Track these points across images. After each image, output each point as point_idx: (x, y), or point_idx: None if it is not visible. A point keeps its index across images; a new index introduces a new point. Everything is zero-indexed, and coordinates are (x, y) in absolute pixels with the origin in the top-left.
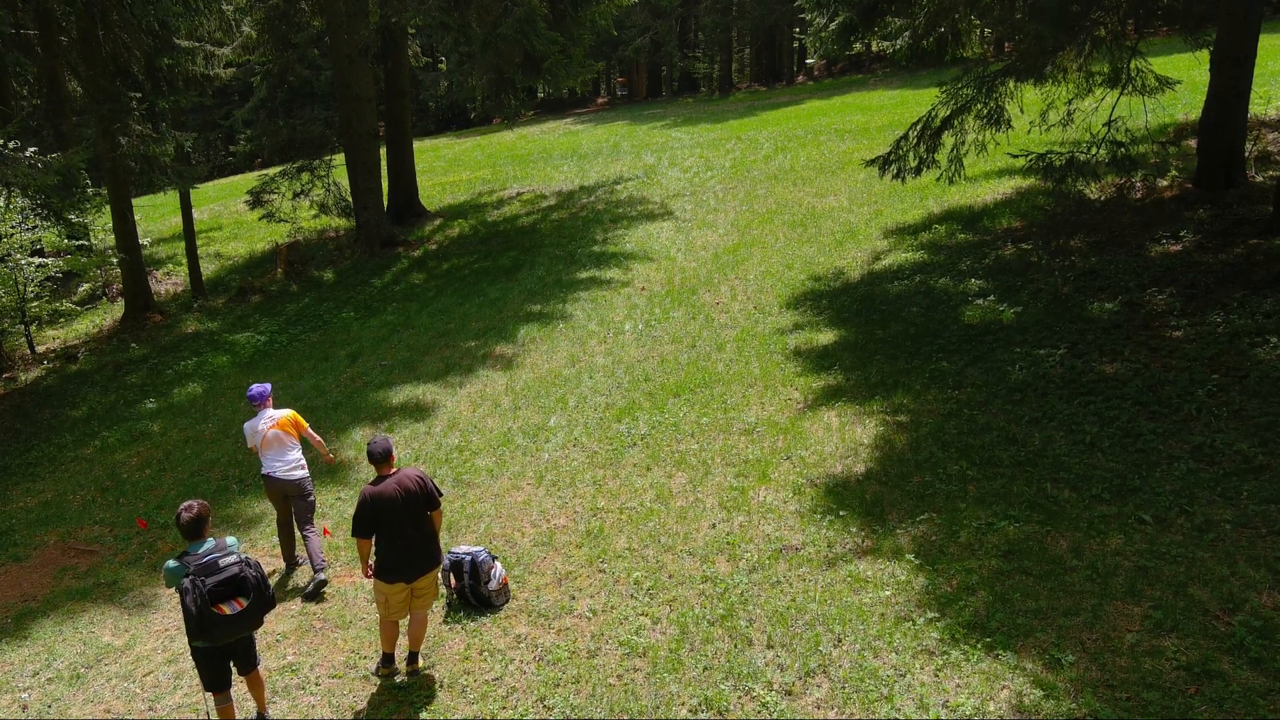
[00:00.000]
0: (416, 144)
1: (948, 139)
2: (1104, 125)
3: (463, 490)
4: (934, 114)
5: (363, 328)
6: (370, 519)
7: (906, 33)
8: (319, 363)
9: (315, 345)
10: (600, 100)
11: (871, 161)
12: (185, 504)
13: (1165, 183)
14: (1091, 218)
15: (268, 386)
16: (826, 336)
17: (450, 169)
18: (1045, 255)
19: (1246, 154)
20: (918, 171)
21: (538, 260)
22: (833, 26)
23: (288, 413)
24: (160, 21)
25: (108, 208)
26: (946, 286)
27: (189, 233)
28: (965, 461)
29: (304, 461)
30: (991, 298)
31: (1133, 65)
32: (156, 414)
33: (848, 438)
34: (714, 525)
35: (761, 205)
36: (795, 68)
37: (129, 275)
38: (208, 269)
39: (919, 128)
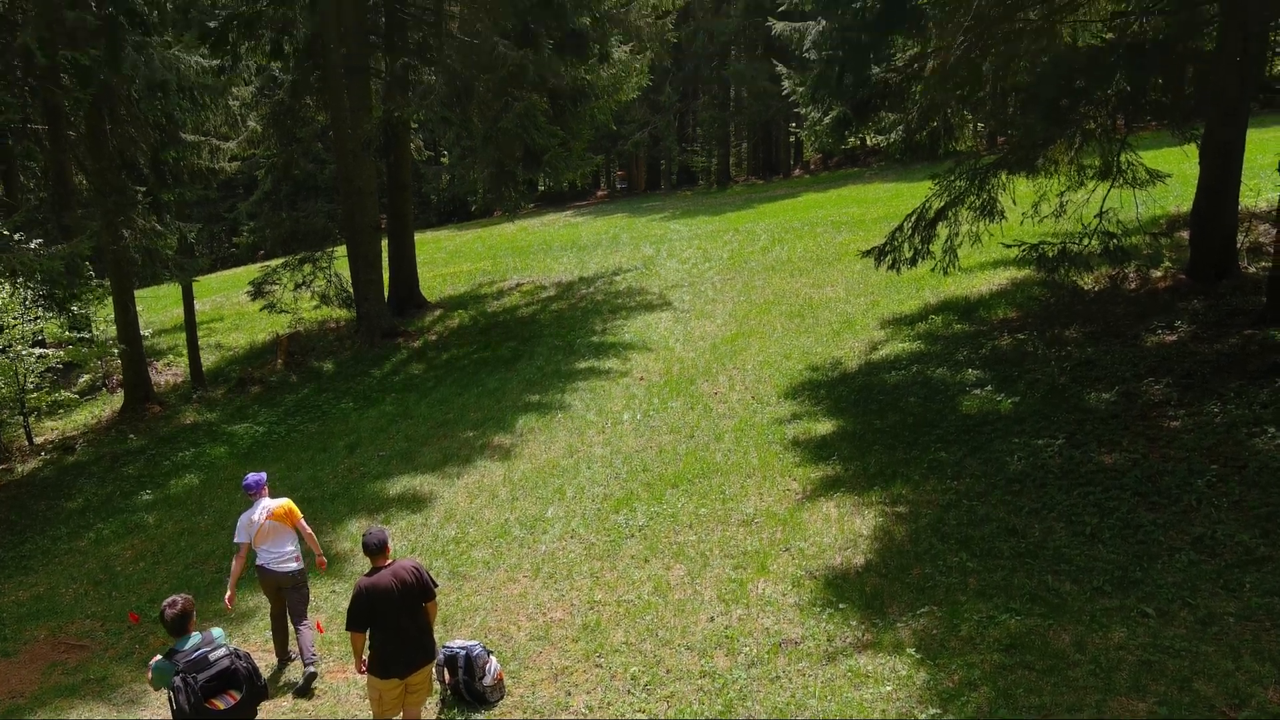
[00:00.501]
0: (418, 236)
1: (942, 230)
2: (1096, 217)
3: (459, 583)
4: (928, 205)
5: (361, 418)
6: (365, 612)
7: (900, 127)
8: (317, 453)
9: (313, 436)
10: (600, 193)
11: (868, 253)
12: (169, 600)
13: (1159, 274)
14: (1086, 308)
15: (264, 475)
16: (825, 426)
17: (451, 260)
18: (1041, 345)
19: (1238, 245)
20: (913, 262)
21: (536, 350)
22: (827, 121)
23: (284, 502)
24: (167, 116)
25: (110, 299)
26: (944, 376)
27: (190, 324)
28: (965, 553)
29: (299, 553)
30: (989, 388)
31: (1123, 158)
32: (152, 505)
33: (847, 529)
34: (712, 618)
35: (759, 296)
36: (792, 161)
37: (129, 366)
38: (208, 359)
39: (914, 219)
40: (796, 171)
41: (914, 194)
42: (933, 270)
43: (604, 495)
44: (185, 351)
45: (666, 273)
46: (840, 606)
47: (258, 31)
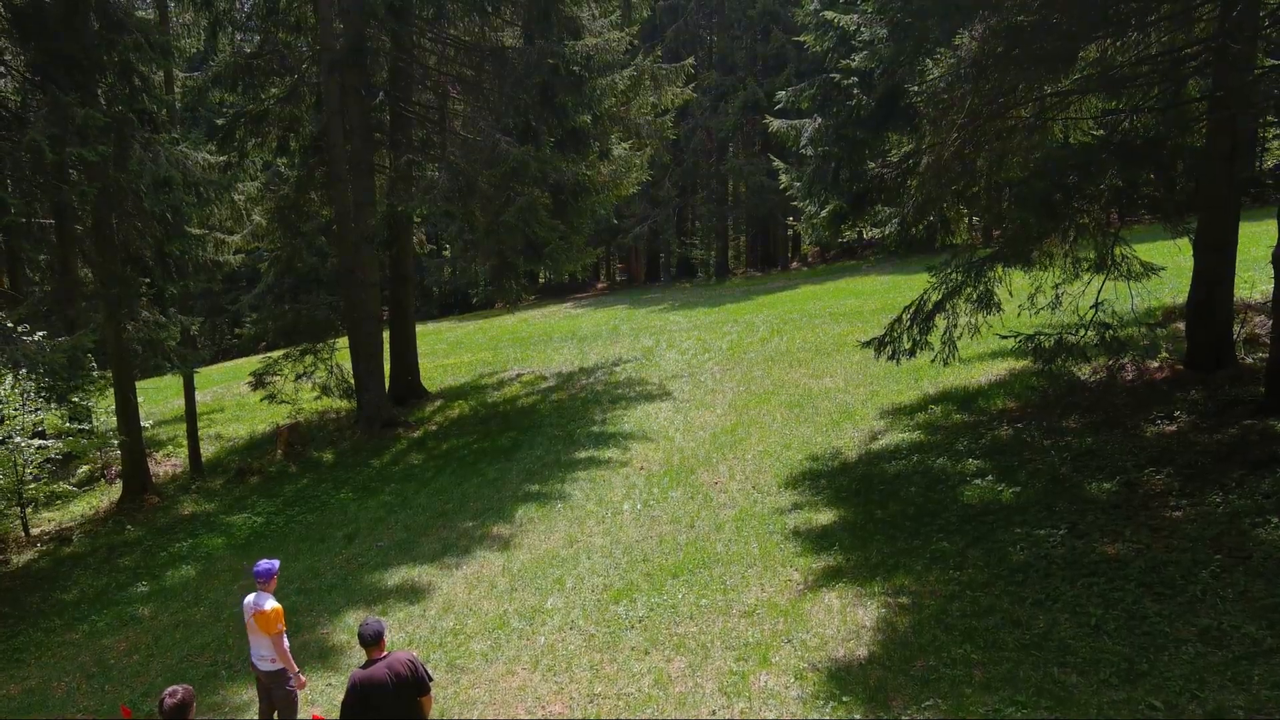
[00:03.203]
0: (420, 327)
1: (940, 321)
2: (1092, 308)
3: (456, 676)
4: (926, 297)
5: (360, 508)
6: (359, 704)
7: (896, 220)
8: (315, 544)
9: (312, 526)
10: (600, 285)
11: (867, 343)
12: (169, 689)
13: (1156, 364)
14: (1085, 399)
15: (274, 565)
16: (825, 516)
17: (452, 351)
18: (1041, 436)
19: (1235, 336)
20: (912, 353)
21: (536, 440)
22: (824, 214)
23: (266, 609)
24: (173, 210)
25: (111, 390)
26: (944, 466)
27: (190, 415)
28: (969, 645)
29: (275, 656)
30: (989, 478)
31: (1117, 251)
32: (148, 597)
33: (849, 620)
34: (714, 712)
35: (758, 386)
36: (789, 254)
37: (128, 457)
38: (208, 450)
39: (912, 311)
40: (794, 264)
41: (910, 286)
42: (932, 361)
43: (604, 586)
44: (185, 442)
45: (666, 363)
46: (844, 700)
47: (264, 129)
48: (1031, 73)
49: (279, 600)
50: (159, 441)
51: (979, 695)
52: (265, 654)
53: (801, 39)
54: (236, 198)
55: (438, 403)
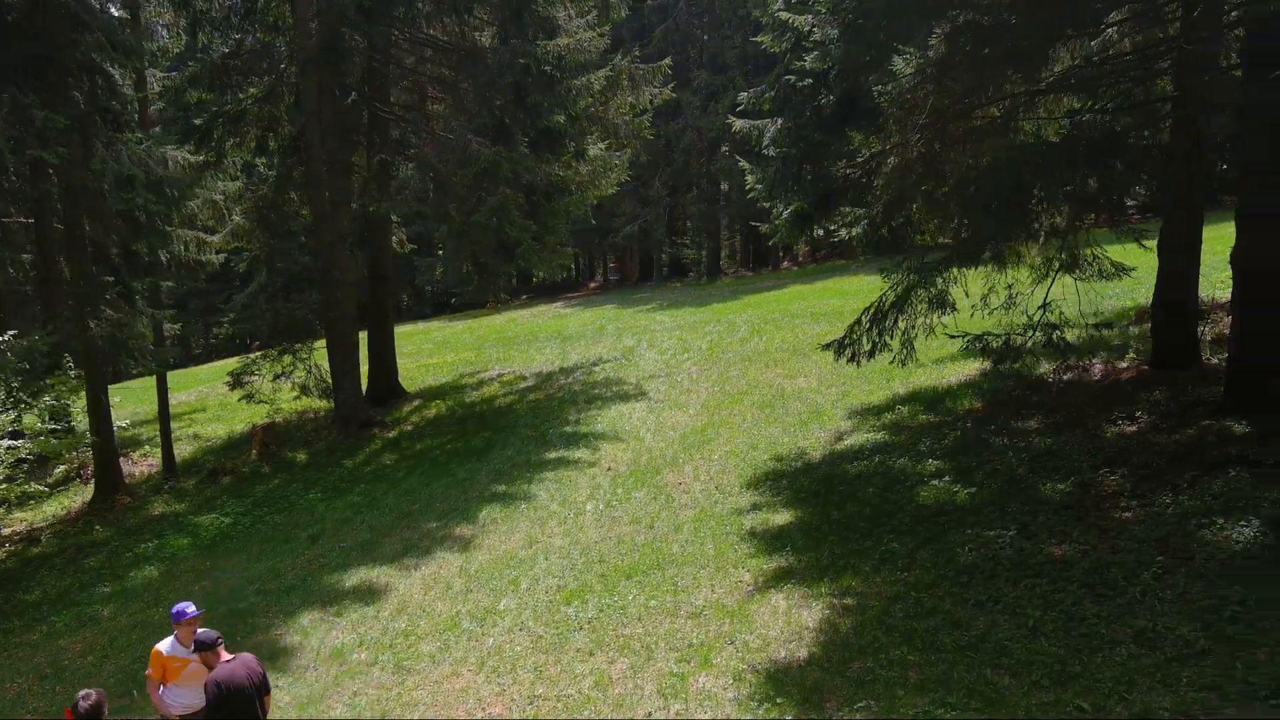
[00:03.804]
0: (411, 327)
1: (902, 323)
2: (1040, 308)
3: (402, 677)
4: (884, 299)
5: (328, 509)
6: (221, 705)
7: (865, 221)
8: (279, 544)
9: (278, 527)
10: (592, 285)
11: (828, 345)
12: (82, 693)
13: (1124, 364)
14: (1051, 399)
15: (185, 610)
16: (783, 517)
17: (438, 350)
18: (1004, 436)
19: (1202, 336)
20: (871, 355)
21: (509, 441)
22: (786, 215)
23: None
24: (142, 208)
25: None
26: (905, 467)
27: (164, 414)
28: (907, 646)
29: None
30: (947, 478)
31: (1088, 251)
32: (109, 598)
33: (793, 621)
34: (650, 714)
35: (733, 386)
36: (781, 254)
37: (99, 458)
38: (186, 450)
39: (871, 313)
40: (785, 264)
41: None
42: (890, 363)
43: (558, 587)
44: (172, 439)
45: (645, 363)
46: (778, 701)
47: (243, 128)
48: (991, 74)
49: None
50: (138, 441)
51: (911, 697)
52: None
53: (759, 39)
54: (216, 197)
55: (416, 403)
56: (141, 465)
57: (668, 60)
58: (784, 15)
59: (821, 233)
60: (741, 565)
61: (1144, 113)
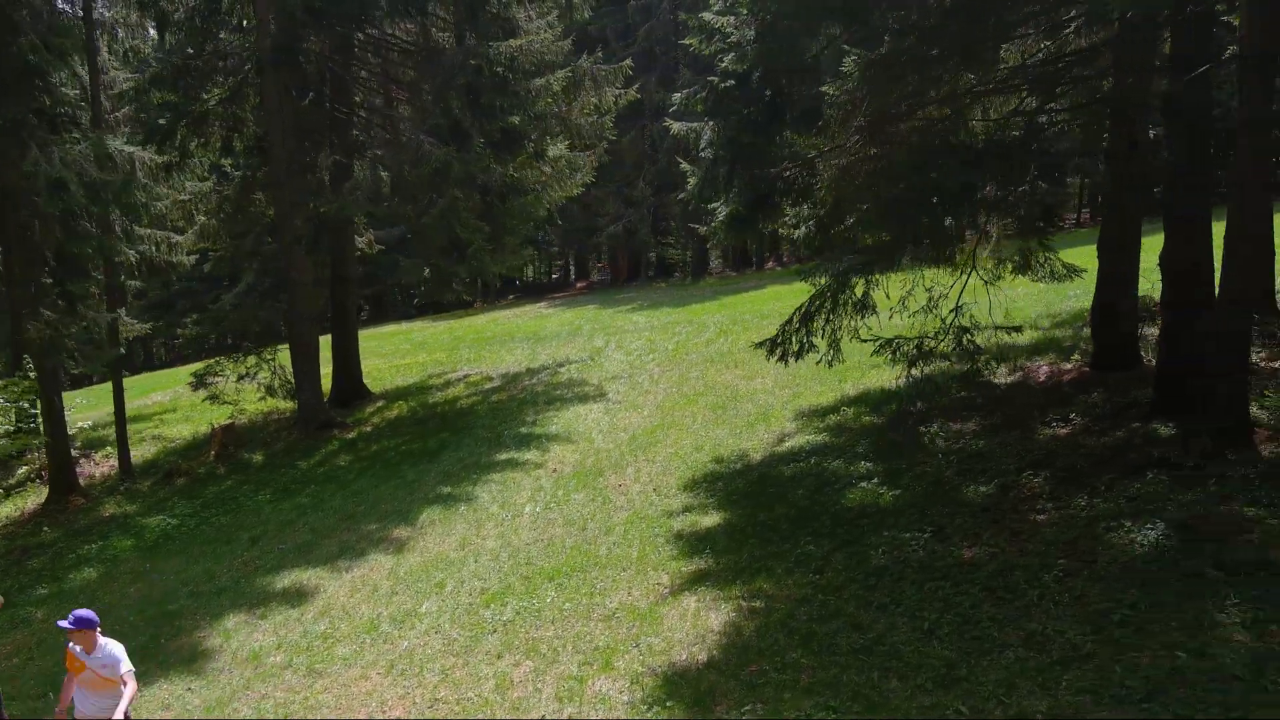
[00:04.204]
0: (393, 327)
1: (829, 323)
2: (951, 312)
3: (312, 680)
4: (812, 301)
5: (274, 511)
6: None
7: (811, 222)
8: (219, 546)
9: (222, 528)
10: (579, 285)
11: (760, 344)
12: None
13: (1069, 366)
14: (994, 401)
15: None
16: (711, 519)
17: (414, 351)
18: (940, 438)
19: (1144, 337)
20: (799, 355)
21: (463, 442)
22: (721, 218)
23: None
24: (72, 211)
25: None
26: (838, 469)
27: (119, 416)
28: (805, 649)
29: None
30: (875, 480)
31: (1040, 254)
32: (45, 600)
33: (700, 624)
34: (543, 717)
35: (690, 388)
36: (766, 254)
37: (53, 459)
38: (148, 450)
39: (801, 314)
40: (770, 264)
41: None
42: (818, 363)
43: (481, 589)
44: (132, 441)
45: (610, 364)
46: (669, 704)
47: (207, 129)
48: (925, 75)
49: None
50: (103, 442)
51: (798, 699)
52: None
53: (688, 41)
54: (183, 198)
55: (379, 403)
56: (103, 466)
57: (628, 61)
58: (708, 17)
59: (767, 234)
60: (662, 567)
61: (1088, 114)
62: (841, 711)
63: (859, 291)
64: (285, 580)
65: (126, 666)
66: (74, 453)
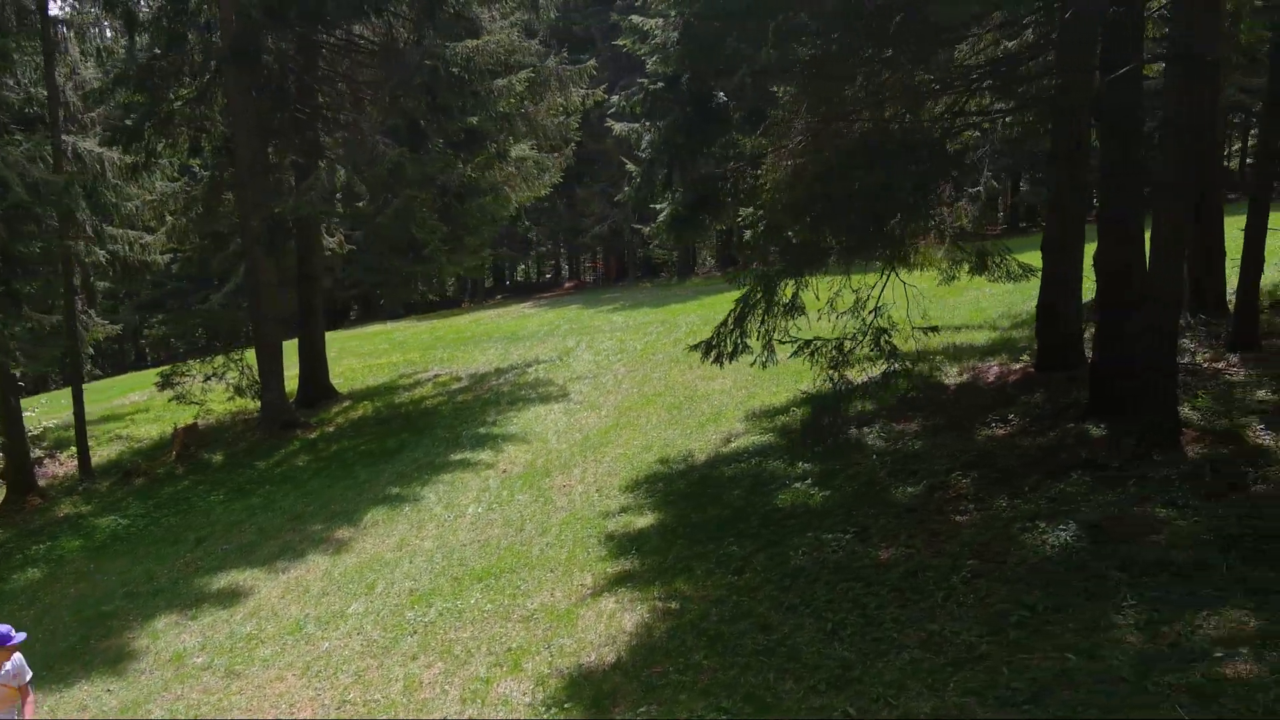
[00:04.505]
0: (377, 326)
1: (762, 325)
2: (871, 313)
3: (229, 681)
4: (747, 302)
5: (225, 511)
6: None
7: (763, 222)
8: (165, 547)
9: (171, 529)
10: (567, 284)
11: (696, 346)
12: None
13: (1017, 366)
14: (941, 403)
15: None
16: (645, 520)
17: (391, 350)
18: (881, 439)
19: (1086, 338)
20: (733, 356)
21: (422, 443)
22: (660, 219)
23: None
24: (16, 209)
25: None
26: (776, 470)
27: (79, 416)
28: (709, 650)
29: None
30: (809, 481)
31: (995, 256)
32: None
33: (613, 625)
34: (445, 718)
35: (651, 388)
36: (750, 254)
37: (10, 459)
38: (113, 450)
39: (735, 315)
40: (755, 264)
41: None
42: (752, 364)
43: (410, 590)
44: (99, 441)
45: (578, 364)
46: (567, 705)
47: (174, 129)
48: (849, 83)
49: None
50: (68, 441)
51: (692, 701)
52: None
53: (621, 42)
54: (151, 198)
55: (345, 403)
56: (67, 465)
57: (592, 62)
58: (636, 20)
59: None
60: (589, 568)
61: (1036, 113)
62: (733, 712)
63: (788, 294)
64: (221, 581)
65: (29, 675)
66: (39, 452)
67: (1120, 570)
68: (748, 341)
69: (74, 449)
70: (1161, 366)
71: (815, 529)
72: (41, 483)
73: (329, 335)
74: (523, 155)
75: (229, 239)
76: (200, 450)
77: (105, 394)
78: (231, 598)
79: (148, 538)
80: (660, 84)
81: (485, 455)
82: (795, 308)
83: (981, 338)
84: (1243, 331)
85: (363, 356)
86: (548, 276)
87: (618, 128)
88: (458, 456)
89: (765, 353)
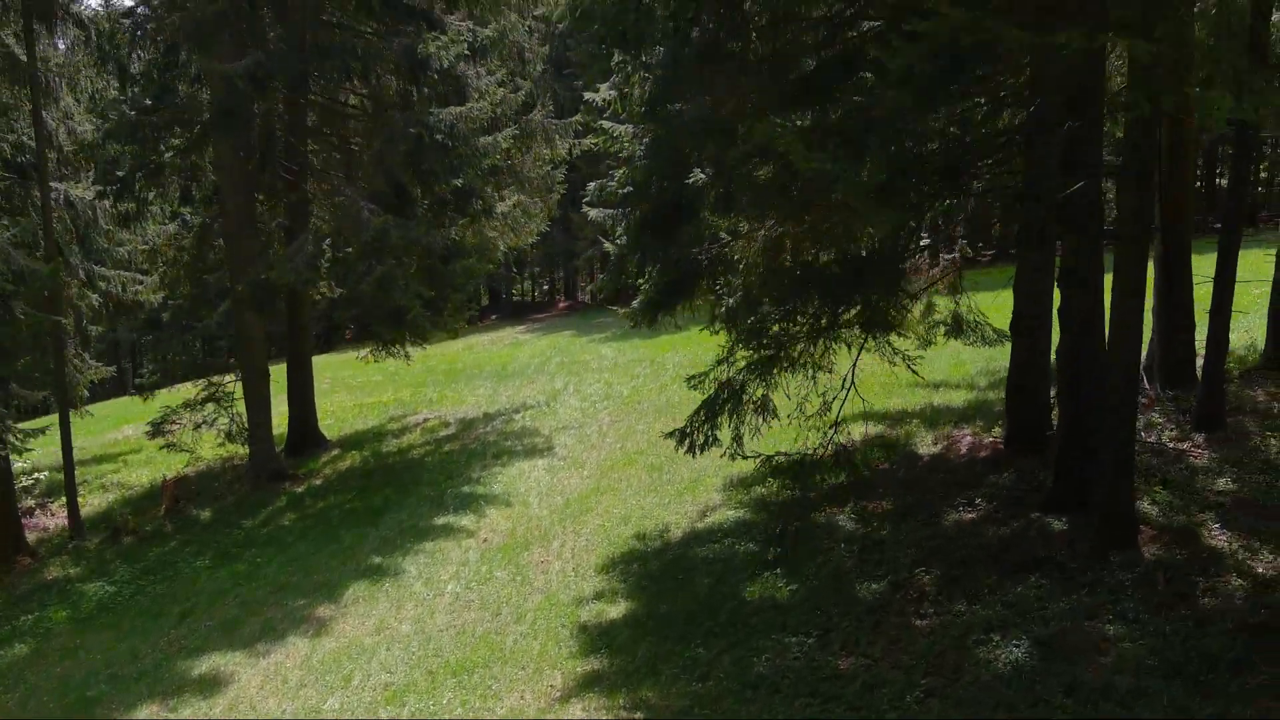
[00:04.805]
0: (370, 347)
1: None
2: (831, 428)
3: None
4: (718, 397)
5: (210, 579)
6: None
7: (740, 295)
8: (150, 620)
9: (157, 598)
10: (561, 305)
11: (670, 434)
12: None
13: (989, 438)
14: (915, 475)
15: None
16: (617, 610)
17: (385, 383)
18: (850, 520)
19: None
20: (704, 448)
21: (406, 502)
22: (636, 304)
23: None
24: None
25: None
26: (748, 553)
27: (68, 470)
28: None
29: None
30: (778, 570)
31: (971, 318)
32: None
33: None
34: None
35: (634, 443)
36: None
37: (1, 520)
38: (104, 499)
39: (706, 409)
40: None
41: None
42: (721, 456)
43: (386, 684)
44: (89, 487)
45: (565, 410)
46: None
47: (164, 179)
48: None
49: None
50: (61, 488)
51: None
52: None
53: (590, 140)
54: (141, 246)
55: (334, 452)
56: (59, 516)
57: (577, 118)
58: (606, 125)
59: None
60: (559, 666)
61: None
62: None
63: (758, 394)
64: (203, 666)
65: None
66: (31, 501)
67: (1066, 695)
68: (718, 435)
69: (65, 498)
70: (1119, 462)
71: (780, 629)
72: (32, 536)
73: (324, 359)
74: (509, 210)
75: (220, 292)
76: (189, 505)
77: (100, 426)
78: (212, 686)
79: (134, 608)
80: (629, 187)
81: (467, 520)
82: (766, 409)
83: (959, 398)
84: (1208, 408)
85: (354, 391)
86: (545, 290)
87: (593, 214)
88: (441, 520)
89: (734, 445)
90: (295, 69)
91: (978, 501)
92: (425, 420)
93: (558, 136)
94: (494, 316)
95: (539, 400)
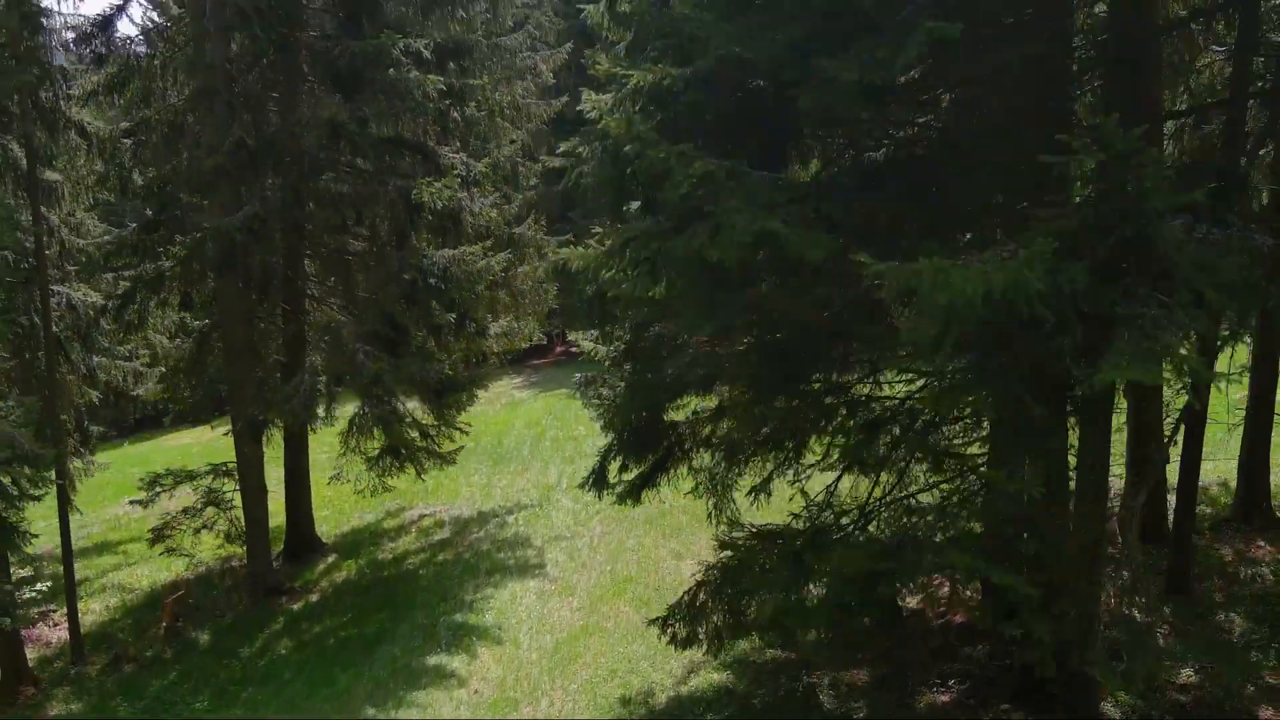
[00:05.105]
0: None
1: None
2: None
3: None
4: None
5: None
6: None
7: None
8: None
9: None
10: (559, 349)
11: (653, 621)
12: None
13: (969, 592)
14: (890, 641)
15: None
16: None
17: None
18: (830, 694)
19: None
20: (686, 644)
21: (399, 631)
22: (620, 490)
23: None
24: None
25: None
26: None
27: (70, 589)
28: None
29: None
30: None
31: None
32: None
33: None
34: None
35: (622, 567)
36: None
37: (3, 651)
38: (106, 604)
39: (685, 604)
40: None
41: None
42: (704, 653)
43: None
44: (95, 585)
45: (557, 515)
46: None
47: (165, 288)
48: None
49: None
50: (59, 583)
51: None
52: None
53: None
54: (143, 353)
55: (331, 559)
56: (61, 628)
57: (570, 236)
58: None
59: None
60: None
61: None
62: None
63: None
64: None
65: None
66: (34, 613)
67: None
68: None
69: (65, 608)
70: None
71: None
72: (33, 654)
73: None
74: (502, 330)
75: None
76: (189, 625)
77: (99, 496)
78: None
79: None
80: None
81: (459, 663)
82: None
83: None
84: (1176, 572)
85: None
86: (535, 344)
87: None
88: (433, 660)
89: (716, 643)
90: (291, 220)
91: (950, 682)
92: (420, 517)
93: (550, 252)
94: (492, 360)
95: (532, 500)
